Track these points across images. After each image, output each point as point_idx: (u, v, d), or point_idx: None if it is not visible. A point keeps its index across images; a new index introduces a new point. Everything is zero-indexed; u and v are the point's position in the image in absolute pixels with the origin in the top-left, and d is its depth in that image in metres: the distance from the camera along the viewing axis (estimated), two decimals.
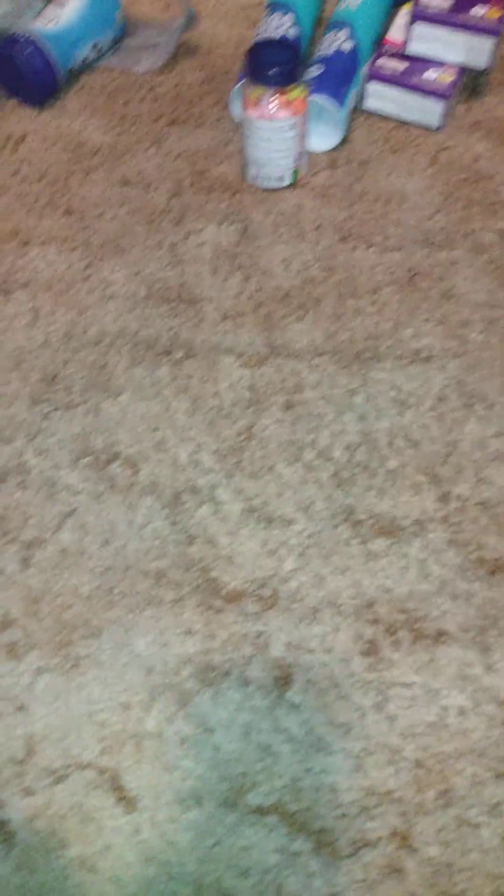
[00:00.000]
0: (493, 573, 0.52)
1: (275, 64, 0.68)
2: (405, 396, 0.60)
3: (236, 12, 0.95)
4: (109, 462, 0.58)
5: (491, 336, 0.64)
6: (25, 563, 0.54)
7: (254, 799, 0.45)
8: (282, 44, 0.73)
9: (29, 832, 0.45)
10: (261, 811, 0.44)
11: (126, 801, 0.45)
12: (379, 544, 0.54)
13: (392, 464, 0.57)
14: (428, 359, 0.62)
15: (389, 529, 0.54)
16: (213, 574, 0.53)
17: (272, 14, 0.84)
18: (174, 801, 0.45)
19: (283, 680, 0.49)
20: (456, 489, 0.56)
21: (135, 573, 0.53)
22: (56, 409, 0.61)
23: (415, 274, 0.68)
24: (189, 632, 0.51)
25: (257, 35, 0.84)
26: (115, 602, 0.52)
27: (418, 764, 0.45)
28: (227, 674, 0.49)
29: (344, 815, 0.44)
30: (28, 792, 0.46)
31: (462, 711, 0.47)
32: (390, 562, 0.53)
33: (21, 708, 0.49)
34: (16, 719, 0.48)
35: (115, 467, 0.58)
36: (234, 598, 0.52)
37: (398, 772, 0.45)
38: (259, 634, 0.51)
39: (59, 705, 0.49)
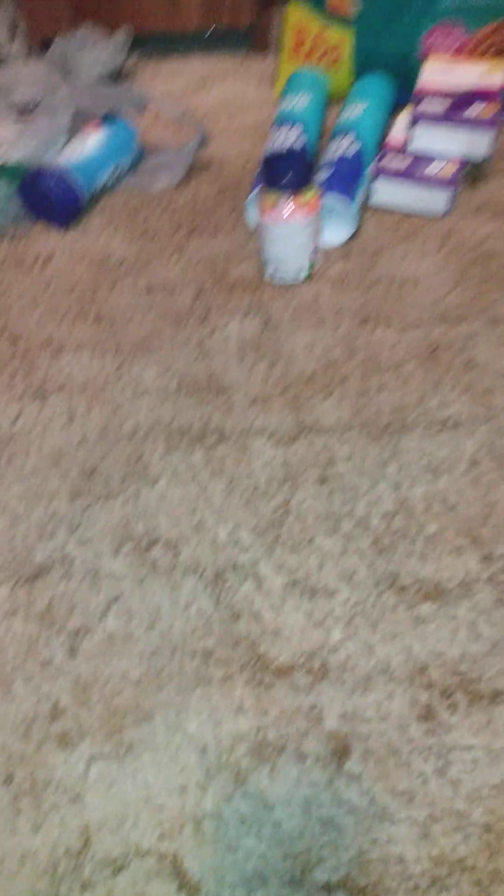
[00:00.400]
0: None
1: (288, 171, 0.73)
2: (437, 463, 0.61)
3: (243, 131, 1.03)
4: (150, 546, 0.59)
5: None
6: (73, 651, 0.54)
7: (320, 875, 0.43)
8: (293, 153, 0.79)
9: None
10: (328, 887, 0.42)
11: (189, 886, 0.43)
12: (426, 608, 0.53)
13: (431, 528, 0.57)
14: (456, 426, 0.64)
15: (435, 593, 0.54)
16: (261, 649, 0.53)
17: (281, 127, 0.91)
18: (238, 882, 0.43)
19: (340, 751, 0.48)
20: (498, 549, 0.56)
21: (182, 654, 0.53)
22: (96, 501, 0.63)
23: (435, 348, 0.70)
24: (241, 709, 0.50)
25: (269, 147, 0.90)
26: (164, 684, 0.52)
27: (487, 828, 0.43)
28: (282, 749, 0.48)
29: (415, 888, 0.42)
30: (87, 885, 0.44)
31: None
32: (439, 625, 0.52)
33: (76, 798, 0.48)
34: (71, 810, 0.47)
35: (156, 551, 0.59)
36: (284, 672, 0.52)
37: (467, 838, 0.43)
38: (312, 707, 0.50)
39: (115, 792, 0.48)
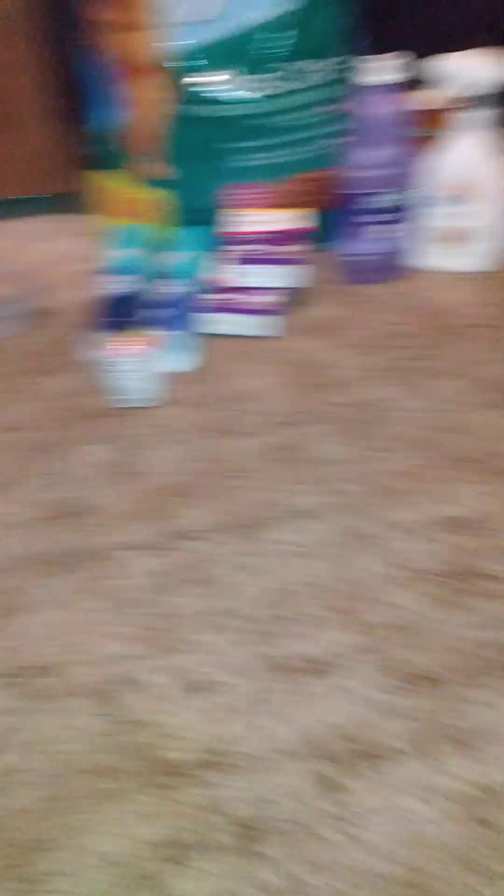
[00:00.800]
0: (424, 685, 0.55)
1: (121, 313, 0.80)
2: (304, 549, 0.66)
3: (76, 282, 1.10)
4: (37, 676, 0.58)
5: (360, 485, 0.72)
6: None
7: None
8: (123, 297, 0.87)
9: None
10: None
11: None
12: (314, 685, 0.56)
13: (307, 608, 0.61)
14: (313, 514, 0.69)
15: (321, 668, 0.57)
16: (162, 755, 0.53)
17: (111, 276, 0.98)
18: None
19: (253, 837, 0.48)
20: (371, 618, 0.60)
21: (82, 776, 0.52)
22: None
23: (283, 449, 0.77)
24: (150, 817, 0.49)
25: (102, 291, 0.97)
26: (66, 810, 0.50)
27: (410, 884, 0.45)
28: (196, 847, 0.48)
29: None
30: None
31: (431, 821, 0.47)
32: (328, 698, 0.55)
33: None
34: None
35: (41, 680, 0.58)
36: (188, 772, 0.52)
37: None
38: (220, 801, 0.50)
39: None
